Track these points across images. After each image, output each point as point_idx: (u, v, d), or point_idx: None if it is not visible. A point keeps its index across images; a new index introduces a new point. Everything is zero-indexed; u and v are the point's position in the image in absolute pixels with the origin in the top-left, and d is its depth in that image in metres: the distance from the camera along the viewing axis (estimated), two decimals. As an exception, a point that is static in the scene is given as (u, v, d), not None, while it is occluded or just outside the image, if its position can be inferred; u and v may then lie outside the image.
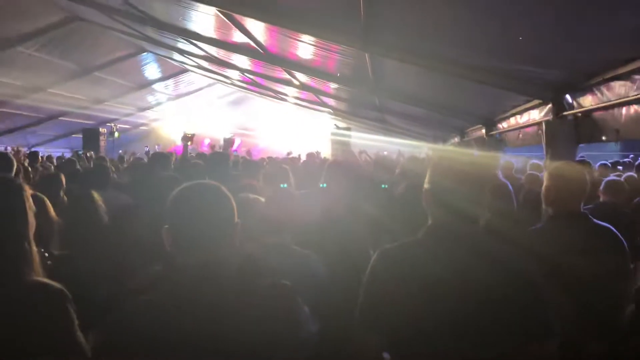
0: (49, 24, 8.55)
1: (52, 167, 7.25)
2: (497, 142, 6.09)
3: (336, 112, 12.21)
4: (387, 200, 3.45)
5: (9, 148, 10.88)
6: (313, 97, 10.45)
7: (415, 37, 3.88)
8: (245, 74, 10.14)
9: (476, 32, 3.36)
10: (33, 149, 12.70)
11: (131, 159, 9.98)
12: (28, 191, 1.74)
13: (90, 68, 11.21)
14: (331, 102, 10.57)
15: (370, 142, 11.88)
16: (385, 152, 10.76)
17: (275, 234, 2.42)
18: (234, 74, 11.22)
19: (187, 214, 1.56)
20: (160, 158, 5.57)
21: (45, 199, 2.54)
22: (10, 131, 13.54)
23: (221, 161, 4.60)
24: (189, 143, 6.26)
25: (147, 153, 13.35)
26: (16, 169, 5.07)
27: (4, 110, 11.71)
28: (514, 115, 5.00)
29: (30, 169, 6.98)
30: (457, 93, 5.54)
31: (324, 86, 8.54)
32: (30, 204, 1.73)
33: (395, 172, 4.68)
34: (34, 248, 1.69)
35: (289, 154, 15.78)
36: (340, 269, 2.55)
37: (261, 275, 1.59)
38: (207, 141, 18.19)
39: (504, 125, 5.65)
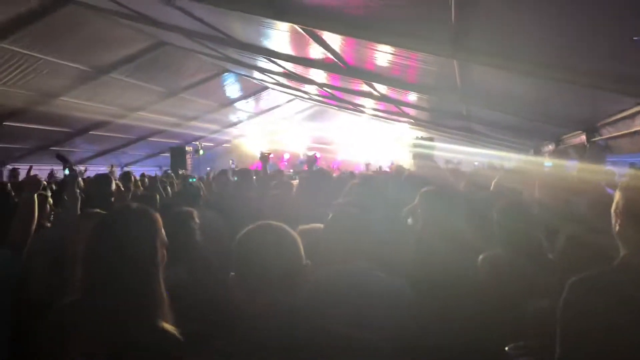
0: (139, 50, 9.00)
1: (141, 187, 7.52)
2: (600, 149, 5.57)
3: (417, 122, 11.89)
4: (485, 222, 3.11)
5: (105, 168, 11.59)
6: (392, 108, 10.22)
7: (512, 40, 3.58)
8: (324, 88, 10.11)
9: (583, 31, 3.02)
10: (125, 169, 13.43)
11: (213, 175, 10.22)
12: (160, 223, 1.68)
13: (176, 90, 11.71)
14: (412, 112, 10.29)
15: (453, 153, 11.43)
16: (476, 163, 10.27)
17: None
18: (312, 89, 11.25)
19: (252, 261, 1.49)
20: (246, 175, 5.62)
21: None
22: (104, 152, 14.40)
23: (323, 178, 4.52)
24: (267, 162, 6.25)
25: (232, 169, 13.67)
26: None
27: (99, 133, 12.47)
28: (624, 119, 4.51)
29: (123, 188, 7.29)
30: (555, 98, 5.13)
31: (404, 96, 8.31)
32: (162, 237, 1.66)
33: (490, 188, 4.36)
34: (163, 288, 1.61)
35: (367, 165, 15.60)
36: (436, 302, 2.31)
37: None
38: (286, 156, 18.42)
39: (609, 129, 5.13)
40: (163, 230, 1.67)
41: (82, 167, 10.94)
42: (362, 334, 1.71)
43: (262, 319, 1.43)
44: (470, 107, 7.20)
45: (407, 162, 12.61)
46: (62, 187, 5.92)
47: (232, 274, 1.50)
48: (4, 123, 9.75)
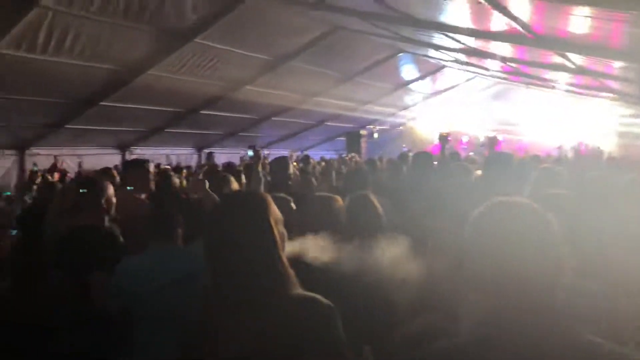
0: (315, 37, 9.21)
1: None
2: None
3: (622, 96, 10.26)
4: None
5: (287, 152, 12.25)
6: (591, 81, 8.94)
7: None
8: (507, 63, 9.25)
9: None
10: (305, 153, 14.06)
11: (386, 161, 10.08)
12: (271, 204, 1.65)
13: (351, 74, 11.80)
14: (615, 84, 8.88)
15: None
16: None
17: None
18: (494, 65, 10.40)
19: (497, 246, 1.20)
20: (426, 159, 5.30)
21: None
22: (286, 137, 15.24)
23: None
24: (446, 143, 5.82)
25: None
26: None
27: (281, 118, 13.21)
28: None
29: (300, 172, 7.53)
30: None
31: (606, 67, 7.15)
32: (275, 216, 1.62)
33: None
34: (285, 261, 1.57)
35: (559, 148, 14.05)
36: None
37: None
38: (465, 139, 17.51)
39: None
40: (274, 209, 1.64)
41: (266, 151, 11.69)
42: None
43: (503, 327, 1.18)
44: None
45: (607, 143, 11.03)
46: (247, 170, 6.31)
47: (461, 259, 1.29)
48: (200, 112, 10.84)
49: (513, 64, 9.34)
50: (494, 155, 4.94)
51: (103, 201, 3.24)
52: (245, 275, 1.49)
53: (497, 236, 1.23)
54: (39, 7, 5.78)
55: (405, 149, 15.54)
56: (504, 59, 8.88)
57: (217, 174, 5.12)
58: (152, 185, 4.56)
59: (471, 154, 12.83)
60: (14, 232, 4.17)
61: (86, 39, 6.79)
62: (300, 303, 1.49)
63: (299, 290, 1.53)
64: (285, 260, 1.57)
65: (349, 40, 9.77)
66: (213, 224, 1.62)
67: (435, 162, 5.86)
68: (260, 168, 5.34)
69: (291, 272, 1.56)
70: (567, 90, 12.19)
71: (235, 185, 4.44)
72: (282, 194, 3.12)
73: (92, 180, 3.58)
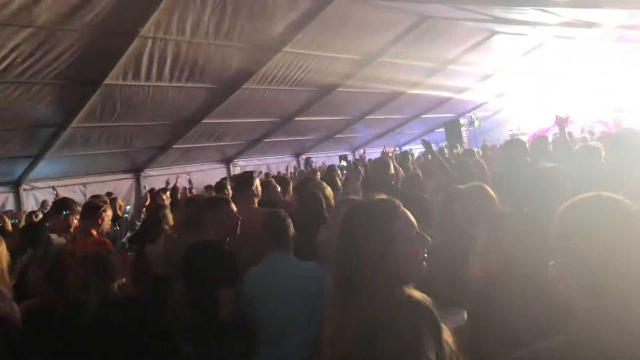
0: (403, 29, 8.98)
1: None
2: None
3: None
4: None
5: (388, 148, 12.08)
6: None
7: None
8: (619, 29, 8.36)
9: None
10: (402, 149, 13.80)
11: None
12: (401, 209, 1.68)
13: (444, 63, 11.37)
14: None
15: None
16: None
17: None
18: (603, 35, 9.46)
19: (588, 247, 1.17)
20: (518, 146, 4.88)
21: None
22: (382, 135, 15.08)
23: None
24: (566, 125, 5.34)
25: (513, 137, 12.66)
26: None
27: (375, 117, 13.08)
28: None
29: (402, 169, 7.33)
30: None
31: None
32: (399, 224, 1.63)
33: None
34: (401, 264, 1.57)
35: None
36: None
37: None
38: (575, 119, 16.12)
39: None
40: (404, 221, 1.64)
41: (361, 151, 11.61)
42: None
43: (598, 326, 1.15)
44: None
45: None
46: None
47: (553, 263, 1.24)
48: (295, 119, 11.04)
49: (627, 31, 8.44)
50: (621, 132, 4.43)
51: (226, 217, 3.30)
52: (360, 277, 1.54)
53: (592, 230, 1.20)
54: (139, 37, 6.19)
55: (513, 132, 14.64)
56: (612, 27, 8.04)
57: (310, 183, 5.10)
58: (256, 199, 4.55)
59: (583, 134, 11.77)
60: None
61: (183, 62, 7.17)
62: (399, 305, 1.50)
63: (408, 293, 1.54)
64: (406, 264, 1.57)
65: (439, 28, 9.41)
66: (343, 231, 1.66)
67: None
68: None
69: (406, 274, 1.57)
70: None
71: (329, 191, 4.38)
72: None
73: (217, 199, 3.65)
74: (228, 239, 3.25)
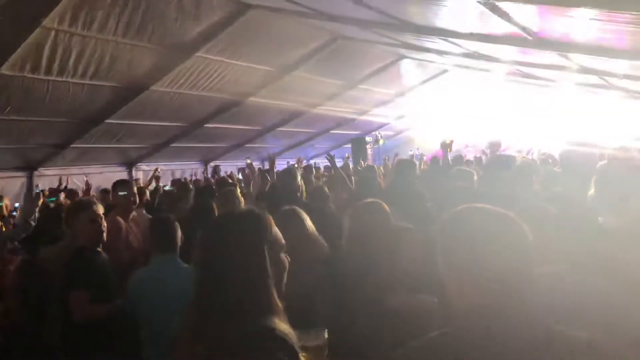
0: (317, 46, 9.23)
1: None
2: None
3: (630, 93, 10.19)
4: None
5: (291, 162, 12.24)
6: (595, 80, 8.87)
7: None
8: (511, 64, 9.19)
9: None
10: (309, 162, 14.05)
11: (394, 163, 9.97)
12: (271, 222, 1.57)
13: (354, 81, 11.81)
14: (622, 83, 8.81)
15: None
16: None
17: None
18: (498, 67, 10.34)
19: (464, 251, 1.30)
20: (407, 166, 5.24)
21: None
22: (292, 147, 15.25)
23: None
24: (448, 150, 5.80)
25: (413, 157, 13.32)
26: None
27: (285, 129, 13.22)
28: None
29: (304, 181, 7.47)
30: None
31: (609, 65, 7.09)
32: (273, 237, 1.55)
33: None
34: (270, 290, 1.48)
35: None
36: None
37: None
38: (470, 142, 17.38)
39: None
40: (272, 231, 1.56)
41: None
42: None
43: (471, 320, 1.27)
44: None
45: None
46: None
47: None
48: (205, 125, 10.87)
49: (516, 66, 9.30)
50: (497, 157, 4.92)
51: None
52: (223, 298, 1.43)
53: (471, 239, 1.30)
54: (41, 27, 5.83)
55: (413, 152, 15.41)
56: (508, 62, 8.84)
57: (223, 188, 5.11)
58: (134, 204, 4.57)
59: (473, 157, 12.71)
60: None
61: (89, 58, 6.84)
62: (252, 336, 1.39)
63: (268, 323, 1.41)
64: (271, 288, 1.47)
65: (351, 48, 9.78)
66: (206, 241, 1.55)
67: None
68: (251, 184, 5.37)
69: (272, 302, 1.46)
70: (575, 90, 12.10)
71: (241, 199, 4.42)
72: (292, 207, 3.08)
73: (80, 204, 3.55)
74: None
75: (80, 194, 8.11)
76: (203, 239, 1.56)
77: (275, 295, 1.48)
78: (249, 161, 6.97)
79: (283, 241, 1.59)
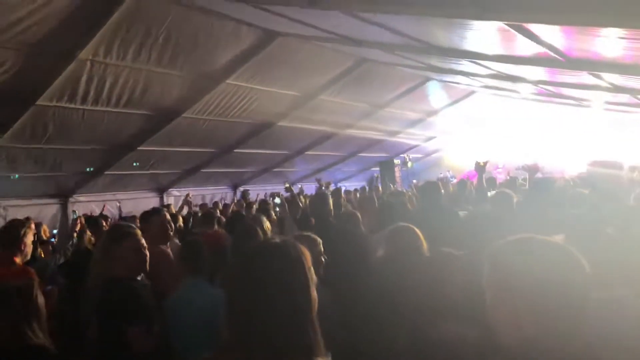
0: (343, 70, 9.31)
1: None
2: None
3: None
4: None
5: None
6: (630, 100, 8.68)
7: None
8: (539, 85, 9.09)
9: None
10: (337, 185, 14.04)
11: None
12: (309, 260, 1.49)
13: (381, 104, 11.83)
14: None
15: None
16: None
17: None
18: (526, 88, 10.24)
19: (517, 284, 1.27)
20: (430, 189, 5.12)
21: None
22: (319, 170, 15.30)
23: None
24: (483, 172, 5.72)
25: (440, 179, 13.21)
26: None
27: (313, 152, 13.29)
28: None
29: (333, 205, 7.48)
30: None
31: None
32: (309, 275, 1.47)
33: None
34: (315, 324, 1.44)
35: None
36: None
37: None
38: (501, 164, 17.14)
39: None
40: (309, 267, 1.47)
41: (300, 185, 11.75)
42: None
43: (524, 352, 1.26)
44: None
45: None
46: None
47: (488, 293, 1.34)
48: (234, 151, 11.03)
49: (547, 87, 9.19)
50: (538, 181, 4.87)
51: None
52: (269, 339, 1.36)
53: (530, 270, 1.26)
54: (76, 60, 6.06)
55: (443, 175, 15.29)
56: (536, 82, 8.74)
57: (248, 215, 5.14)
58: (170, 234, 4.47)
59: (509, 176, 12.53)
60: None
61: (122, 86, 7.06)
62: None
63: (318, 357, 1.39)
64: (315, 321, 1.43)
65: (377, 71, 9.83)
66: (239, 275, 1.47)
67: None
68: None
69: (318, 335, 1.41)
70: (607, 109, 11.86)
71: (267, 225, 4.44)
72: (309, 234, 3.10)
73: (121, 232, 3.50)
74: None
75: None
76: (231, 270, 1.54)
77: (313, 333, 1.41)
78: (287, 185, 7.03)
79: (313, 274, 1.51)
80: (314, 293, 1.47)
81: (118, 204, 10.58)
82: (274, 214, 7.69)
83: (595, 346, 1.27)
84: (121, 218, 9.73)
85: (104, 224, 7.28)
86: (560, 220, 3.28)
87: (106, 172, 9.72)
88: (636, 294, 1.93)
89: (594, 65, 5.91)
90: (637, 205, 3.49)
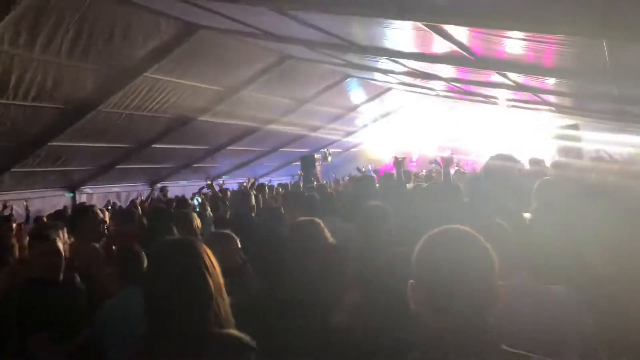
0: (266, 66, 9.33)
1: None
2: None
3: (559, 109, 10.84)
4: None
5: (244, 180, 12.18)
6: (530, 96, 9.41)
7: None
8: (451, 83, 9.62)
9: None
10: (259, 180, 14.04)
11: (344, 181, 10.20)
12: (204, 250, 1.77)
13: (302, 100, 11.98)
14: (552, 98, 9.38)
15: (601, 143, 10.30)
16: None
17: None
18: (439, 85, 10.79)
19: (444, 270, 1.33)
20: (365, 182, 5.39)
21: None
22: (241, 165, 15.21)
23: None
24: (402, 167, 5.99)
25: (359, 170, 13.57)
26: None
27: (235, 147, 13.19)
28: None
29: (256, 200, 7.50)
30: None
31: (541, 83, 7.57)
32: (210, 262, 1.75)
33: None
34: (219, 302, 1.71)
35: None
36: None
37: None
38: (415, 157, 17.90)
39: None
40: (209, 258, 1.75)
41: (220, 181, 11.63)
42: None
43: (445, 339, 1.34)
44: (622, 89, 6.33)
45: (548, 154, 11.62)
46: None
47: (412, 281, 1.39)
48: (152, 146, 10.70)
49: (456, 84, 9.73)
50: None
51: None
52: (172, 321, 1.64)
53: (443, 258, 1.35)
54: (-21, 49, 5.65)
55: (371, 167, 15.67)
56: (448, 80, 9.24)
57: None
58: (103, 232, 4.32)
59: (423, 172, 13.13)
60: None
61: (31, 78, 6.64)
62: (217, 341, 1.63)
63: (219, 329, 1.66)
64: (218, 300, 1.69)
65: (299, 67, 9.94)
66: (148, 272, 1.82)
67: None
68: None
69: (222, 311, 1.69)
70: (512, 106, 12.74)
71: (198, 222, 4.39)
72: (226, 231, 3.15)
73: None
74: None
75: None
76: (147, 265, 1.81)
77: (219, 312, 1.69)
78: (209, 182, 6.94)
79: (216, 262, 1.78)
80: (218, 279, 1.73)
81: (25, 203, 9.91)
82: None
83: (494, 331, 1.35)
84: (28, 218, 9.17)
85: (13, 226, 6.86)
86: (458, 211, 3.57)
87: (12, 170, 9.08)
88: (531, 279, 2.16)
89: (500, 64, 6.37)
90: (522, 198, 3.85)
